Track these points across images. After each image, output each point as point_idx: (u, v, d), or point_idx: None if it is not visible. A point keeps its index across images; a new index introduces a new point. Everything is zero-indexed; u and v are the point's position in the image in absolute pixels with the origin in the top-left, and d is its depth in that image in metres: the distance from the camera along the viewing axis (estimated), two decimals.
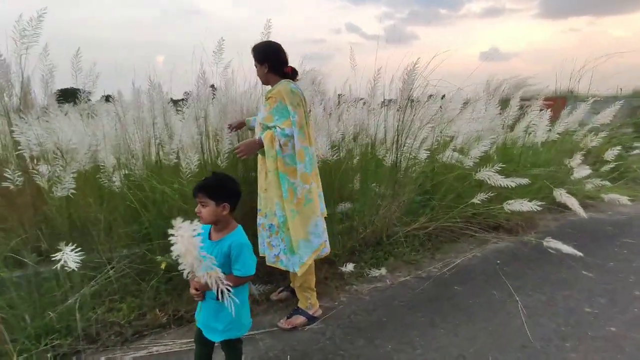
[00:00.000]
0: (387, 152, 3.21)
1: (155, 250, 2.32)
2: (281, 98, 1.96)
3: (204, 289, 1.37)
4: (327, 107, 3.68)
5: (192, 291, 1.38)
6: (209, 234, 1.44)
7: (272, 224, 2.06)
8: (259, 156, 2.11)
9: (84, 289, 2.16)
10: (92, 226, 2.36)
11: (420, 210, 3.34)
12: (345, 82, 3.79)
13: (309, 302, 2.15)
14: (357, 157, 3.53)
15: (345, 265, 2.60)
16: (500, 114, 3.88)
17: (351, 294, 2.48)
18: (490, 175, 2.91)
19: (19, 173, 2.25)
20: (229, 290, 1.11)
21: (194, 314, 1.52)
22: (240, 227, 1.46)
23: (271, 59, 2.05)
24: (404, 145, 3.05)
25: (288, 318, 2.13)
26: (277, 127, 1.95)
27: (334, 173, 2.93)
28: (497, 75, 4.09)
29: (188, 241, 0.98)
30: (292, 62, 2.13)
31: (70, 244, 1.64)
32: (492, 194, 2.98)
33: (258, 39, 2.24)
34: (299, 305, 2.16)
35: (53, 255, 1.53)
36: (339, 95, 3.75)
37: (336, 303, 2.36)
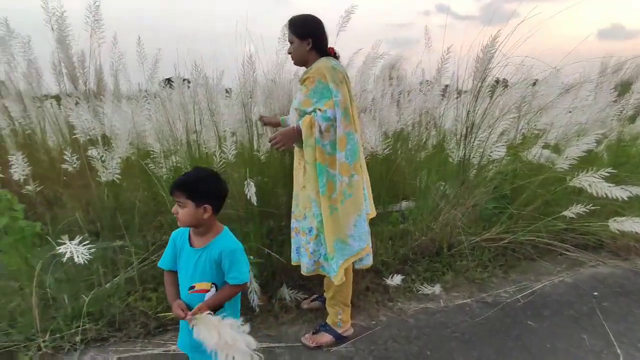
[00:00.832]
0: (455, 146, 2.71)
1: None
2: (321, 76, 1.65)
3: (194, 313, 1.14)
4: (395, 94, 3.31)
5: (179, 312, 1.18)
6: (189, 238, 1.25)
7: (311, 227, 1.78)
8: (296, 149, 1.85)
9: (120, 275, 2.19)
10: (133, 212, 2.39)
11: (494, 219, 2.77)
12: (417, 66, 3.36)
13: (340, 317, 1.87)
14: (428, 150, 3.10)
15: (392, 277, 2.24)
16: (616, 101, 3.04)
17: (394, 312, 2.12)
18: (592, 182, 2.24)
19: (77, 156, 2.38)
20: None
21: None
22: (227, 228, 1.26)
23: (315, 35, 1.73)
24: (476, 139, 2.52)
25: (314, 333, 1.88)
26: (317, 111, 1.65)
27: (387, 167, 2.56)
28: (617, 55, 3.22)
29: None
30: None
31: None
32: (594, 207, 2.31)
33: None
34: (327, 320, 1.89)
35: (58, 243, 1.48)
36: (425, 81, 3.36)
37: (373, 322, 2.04)
